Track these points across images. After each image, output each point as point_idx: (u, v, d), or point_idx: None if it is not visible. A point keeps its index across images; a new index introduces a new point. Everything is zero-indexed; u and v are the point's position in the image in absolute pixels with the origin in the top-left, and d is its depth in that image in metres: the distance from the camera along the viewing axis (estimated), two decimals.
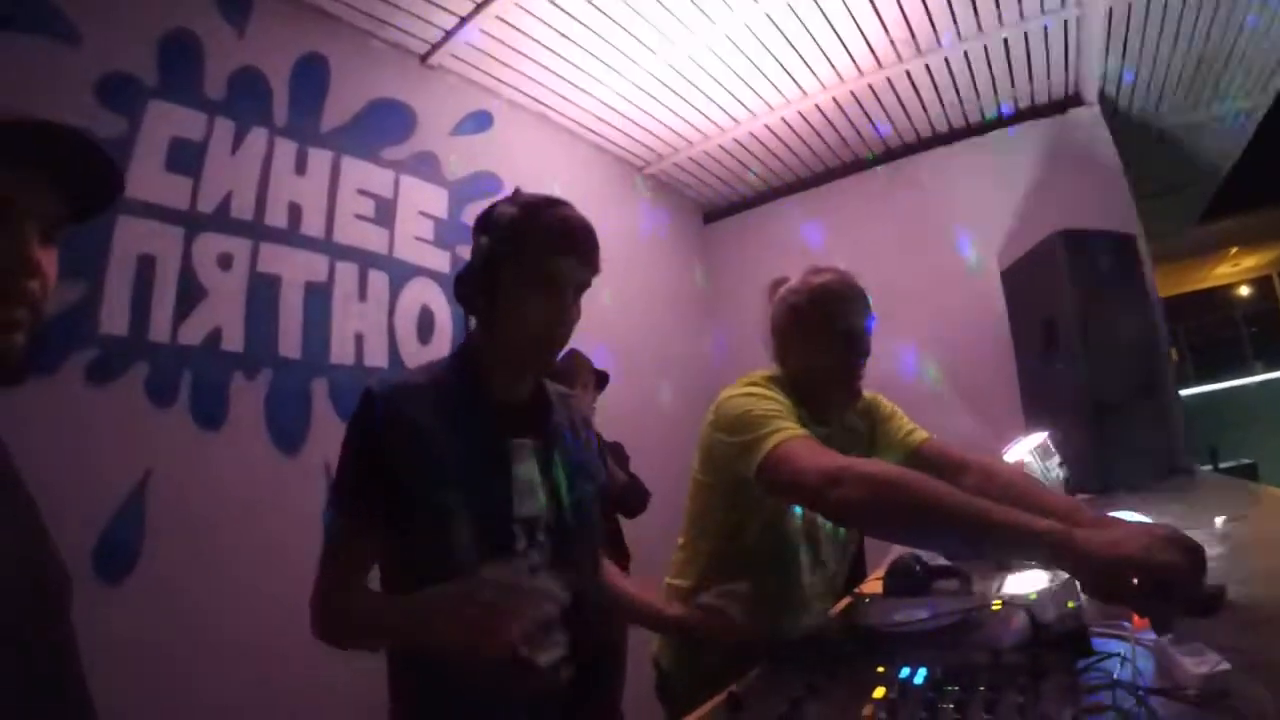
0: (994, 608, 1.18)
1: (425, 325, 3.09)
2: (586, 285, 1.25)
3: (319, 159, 2.78)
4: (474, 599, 0.99)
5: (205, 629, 2.15)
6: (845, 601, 1.64)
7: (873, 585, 1.75)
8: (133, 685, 1.92)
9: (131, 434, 2.13)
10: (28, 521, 0.77)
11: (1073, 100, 4.15)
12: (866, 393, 1.80)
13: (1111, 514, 1.21)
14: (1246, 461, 5.26)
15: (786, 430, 1.37)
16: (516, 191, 1.28)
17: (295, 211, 2.67)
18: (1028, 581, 1.46)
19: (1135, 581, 0.86)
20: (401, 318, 3.00)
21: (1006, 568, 1.58)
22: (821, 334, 1.64)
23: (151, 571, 2.07)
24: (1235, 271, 10.90)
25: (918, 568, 1.58)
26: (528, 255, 1.18)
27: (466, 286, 1.23)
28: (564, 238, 1.21)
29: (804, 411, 1.56)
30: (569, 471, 1.29)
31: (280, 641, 2.29)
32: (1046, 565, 1.03)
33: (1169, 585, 0.84)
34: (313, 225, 2.73)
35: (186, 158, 2.39)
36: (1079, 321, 3.02)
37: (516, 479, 1.20)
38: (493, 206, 1.25)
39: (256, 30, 2.66)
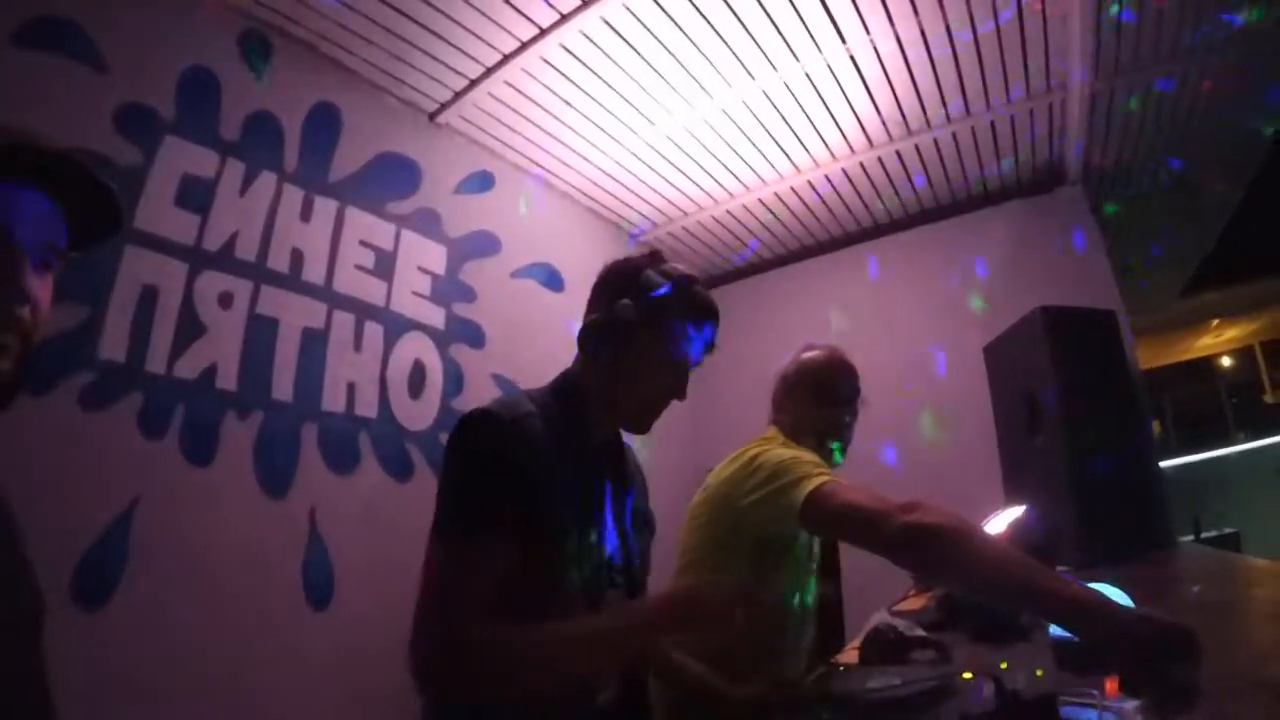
0: (965, 676, 1.21)
1: (417, 379, 3.10)
2: (699, 365, 1.35)
3: (324, 207, 2.84)
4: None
5: (179, 664, 2.13)
6: (820, 670, 1.66)
7: (849, 655, 1.77)
8: (98, 716, 1.91)
9: (120, 462, 2.14)
10: (3, 540, 0.76)
11: (1056, 179, 4.27)
12: None
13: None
14: (1229, 531, 5.26)
15: (831, 474, 1.47)
16: (656, 255, 1.35)
17: (298, 257, 2.72)
18: (1005, 654, 1.48)
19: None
20: (394, 370, 3.02)
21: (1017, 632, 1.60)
22: (809, 399, 1.83)
23: (129, 602, 2.06)
24: (1218, 343, 11.03)
25: (894, 638, 1.61)
26: (668, 329, 1.27)
27: (595, 337, 1.27)
28: (703, 322, 1.32)
29: None
30: (635, 517, 1.36)
31: (252, 681, 2.28)
32: (1077, 631, 1.02)
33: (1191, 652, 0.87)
34: (314, 272, 2.77)
35: (196, 195, 2.44)
36: (1059, 397, 3.07)
37: (606, 520, 1.25)
38: (636, 270, 1.30)
39: (275, 75, 2.74)
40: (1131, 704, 0.94)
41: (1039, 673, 1.06)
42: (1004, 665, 1.16)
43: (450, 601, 1.02)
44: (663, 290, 1.27)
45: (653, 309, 1.25)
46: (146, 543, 2.12)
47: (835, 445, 1.84)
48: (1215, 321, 9.84)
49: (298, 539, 2.54)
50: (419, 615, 1.02)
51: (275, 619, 2.41)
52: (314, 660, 2.45)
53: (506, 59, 3.01)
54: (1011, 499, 3.14)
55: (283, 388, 2.61)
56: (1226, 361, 11.45)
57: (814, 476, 1.46)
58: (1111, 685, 1.00)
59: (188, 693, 2.13)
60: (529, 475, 1.10)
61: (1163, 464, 4.55)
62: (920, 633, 1.65)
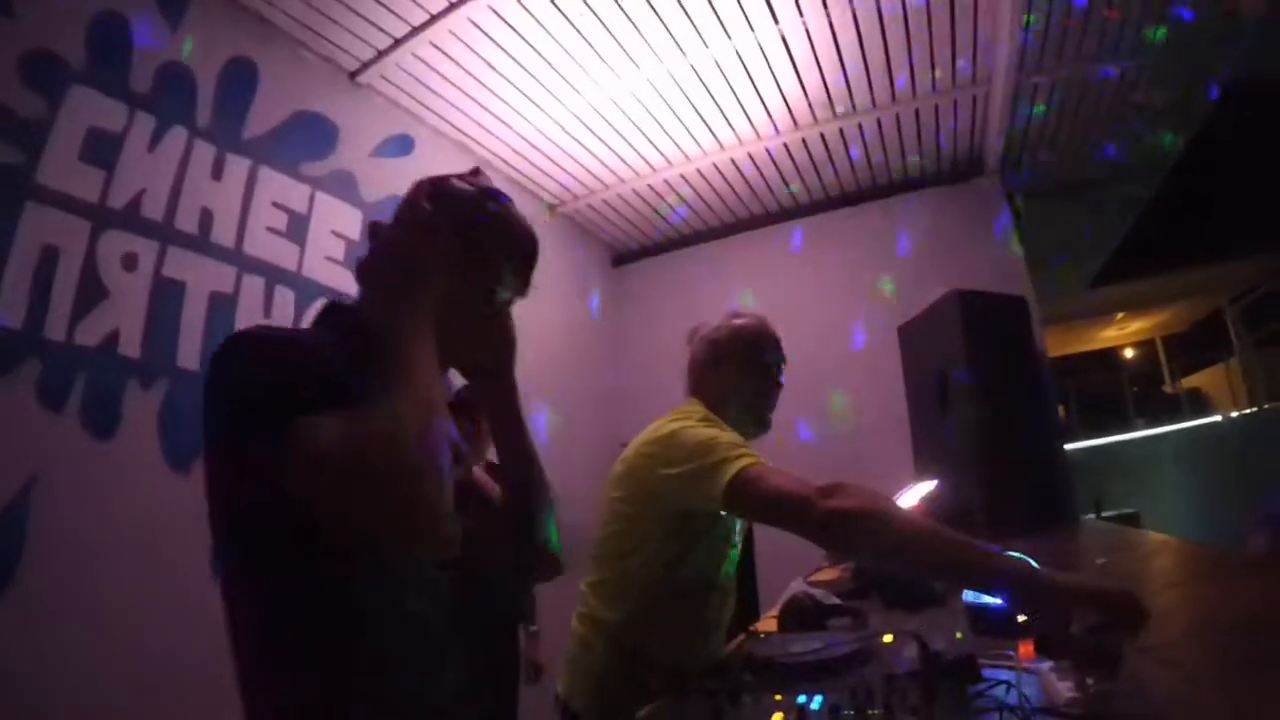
0: (886, 639, 1.23)
1: None
2: (511, 303, 1.11)
3: (236, 166, 2.71)
4: None
5: (82, 648, 2.02)
6: (740, 638, 1.68)
7: (768, 623, 1.79)
8: None
9: (18, 435, 2.00)
10: None
11: (975, 170, 4.41)
12: None
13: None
14: (1129, 511, 5.54)
15: (753, 456, 1.44)
16: (476, 170, 1.11)
17: (207, 217, 2.59)
18: (919, 620, 1.53)
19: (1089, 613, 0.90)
20: None
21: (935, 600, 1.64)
22: (738, 367, 1.79)
23: (28, 586, 1.93)
24: (1121, 334, 11.62)
25: (811, 606, 1.63)
26: (468, 245, 1.00)
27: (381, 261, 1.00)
28: (515, 242, 1.08)
29: None
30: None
31: (160, 664, 2.18)
32: (1004, 595, 1.05)
33: (1122, 613, 0.89)
34: (223, 234, 2.64)
35: (103, 149, 2.30)
36: (971, 377, 3.16)
37: None
38: (445, 178, 1.05)
39: (190, 26, 2.59)
40: (1046, 665, 0.97)
41: (959, 635, 1.08)
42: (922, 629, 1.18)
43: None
44: (468, 197, 1.04)
45: (453, 219, 1.00)
46: (46, 521, 2.00)
47: (759, 416, 1.83)
48: (1120, 314, 10.33)
49: (206, 514, 2.42)
50: None
51: (183, 600, 2.30)
52: (225, 642, 2.35)
53: (433, 19, 2.92)
54: (922, 474, 3.23)
55: (189, 355, 2.49)
56: (1130, 353, 12.07)
57: (736, 459, 1.43)
58: (1026, 648, 1.03)
59: (92, 677, 2.02)
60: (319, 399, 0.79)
61: (1066, 447, 4.76)
62: (836, 601, 1.69)
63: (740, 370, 1.80)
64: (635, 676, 1.54)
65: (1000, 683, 0.95)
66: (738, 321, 1.87)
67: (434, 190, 1.02)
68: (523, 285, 1.11)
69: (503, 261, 1.06)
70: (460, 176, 1.07)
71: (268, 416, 0.76)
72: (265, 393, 0.78)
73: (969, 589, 1.31)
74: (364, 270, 1.00)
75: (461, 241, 0.99)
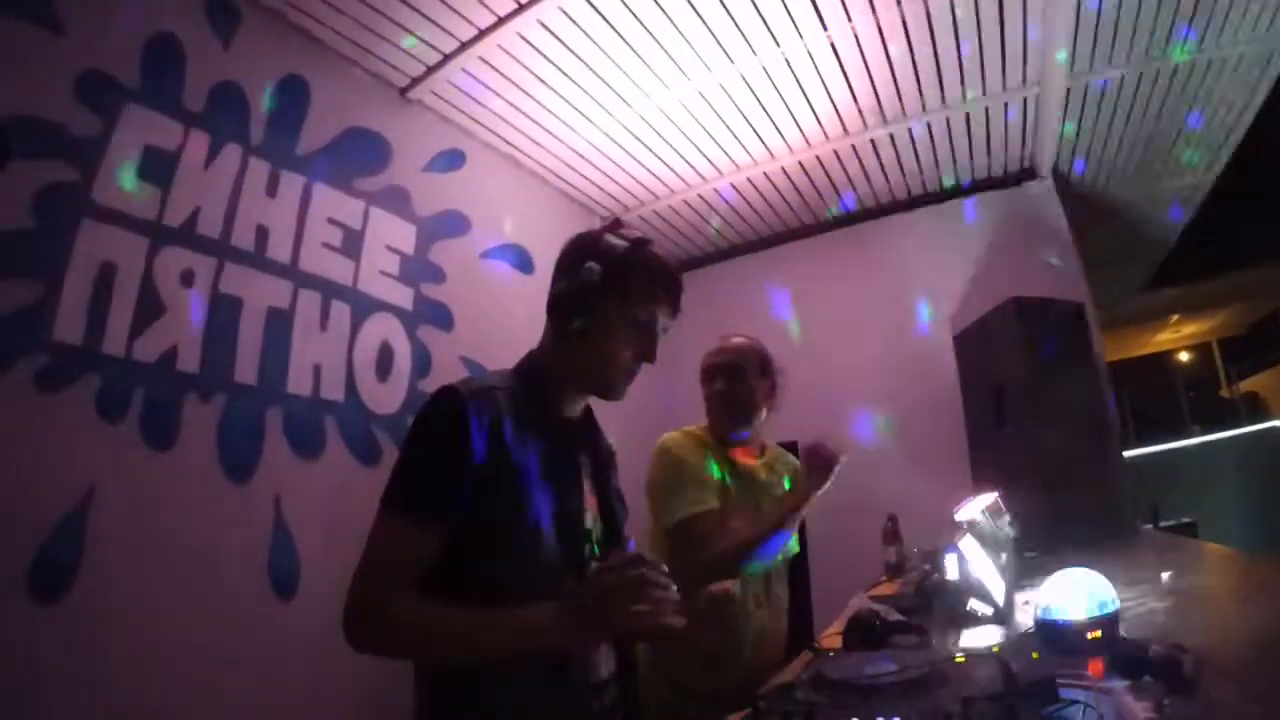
0: (958, 660, 1.20)
1: (384, 361, 3.03)
2: (666, 330, 1.34)
3: (291, 182, 2.75)
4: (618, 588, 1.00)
5: (140, 656, 2.05)
6: (806, 656, 1.66)
7: (831, 640, 1.77)
8: (54, 709, 1.83)
9: (78, 448, 2.04)
10: None
11: (1028, 173, 4.33)
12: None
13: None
14: (1187, 520, 5.38)
15: (699, 505, 1.88)
16: (617, 222, 1.38)
17: (263, 234, 2.63)
18: (985, 637, 1.50)
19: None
20: (361, 352, 2.94)
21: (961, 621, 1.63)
22: (705, 384, 2.26)
23: (87, 593, 1.96)
24: (1176, 338, 11.36)
25: (877, 623, 1.61)
26: (631, 294, 1.27)
27: (563, 304, 1.28)
28: (665, 286, 1.31)
29: (720, 455, 2.10)
30: (613, 492, 1.41)
31: (216, 673, 2.21)
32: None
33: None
34: (279, 250, 2.68)
35: (158, 167, 2.33)
36: (1029, 386, 3.09)
37: (582, 493, 1.30)
38: (599, 235, 1.32)
39: (242, 45, 2.63)
40: (1122, 684, 0.98)
41: (1035, 655, 1.05)
42: (996, 649, 1.15)
43: (371, 569, 1.06)
44: (624, 250, 1.28)
45: (616, 269, 1.25)
46: (105, 530, 2.03)
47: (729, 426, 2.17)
48: (1175, 317, 10.09)
49: (262, 526, 2.47)
50: (352, 578, 1.07)
51: (240, 609, 2.34)
52: (280, 650, 2.38)
53: (482, 34, 2.94)
54: (979, 484, 3.17)
55: (246, 370, 2.52)
56: (1184, 356, 11.78)
57: (685, 504, 1.89)
58: (1095, 666, 1.04)
59: (149, 685, 2.06)
60: (487, 447, 1.12)
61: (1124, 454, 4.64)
62: (900, 617, 1.66)
63: (706, 387, 2.24)
64: (680, 697, 1.55)
65: (1075, 703, 0.94)
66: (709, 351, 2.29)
67: (588, 246, 1.30)
68: (674, 311, 1.36)
69: (660, 296, 1.31)
70: (607, 229, 1.34)
71: (387, 500, 1.10)
72: (416, 477, 1.11)
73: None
74: (548, 311, 1.31)
75: (623, 288, 1.26)
